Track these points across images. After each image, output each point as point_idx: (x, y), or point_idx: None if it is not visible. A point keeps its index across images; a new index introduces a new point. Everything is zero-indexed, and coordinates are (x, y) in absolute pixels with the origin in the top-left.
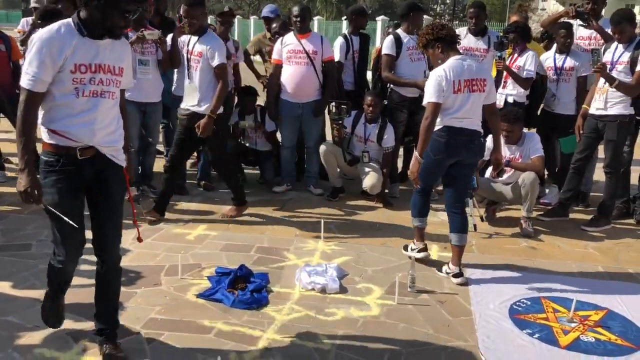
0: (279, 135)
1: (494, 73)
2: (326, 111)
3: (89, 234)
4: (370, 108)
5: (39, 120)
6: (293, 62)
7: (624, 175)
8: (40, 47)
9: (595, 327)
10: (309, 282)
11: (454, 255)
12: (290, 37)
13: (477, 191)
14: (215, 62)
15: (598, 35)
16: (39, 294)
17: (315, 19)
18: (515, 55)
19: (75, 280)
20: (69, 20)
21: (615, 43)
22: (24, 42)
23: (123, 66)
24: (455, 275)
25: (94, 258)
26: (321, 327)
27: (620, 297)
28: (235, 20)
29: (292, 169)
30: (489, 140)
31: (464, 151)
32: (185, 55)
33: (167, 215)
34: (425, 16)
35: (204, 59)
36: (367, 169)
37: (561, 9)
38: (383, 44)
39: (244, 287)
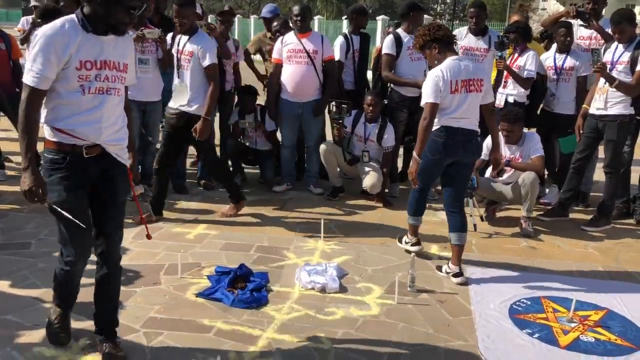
0: (279, 135)
1: (494, 73)
2: (326, 111)
3: None
4: (371, 107)
5: (42, 119)
6: (293, 62)
7: (624, 175)
8: (45, 44)
9: (595, 327)
10: (309, 281)
11: (453, 254)
12: (290, 37)
13: (477, 191)
14: (207, 62)
15: (598, 35)
16: (39, 292)
17: (316, 18)
18: (516, 55)
19: None
20: (73, 16)
21: (616, 43)
22: (24, 41)
23: (127, 62)
24: (455, 275)
25: (93, 257)
26: (321, 326)
27: (620, 297)
28: (236, 19)
29: (292, 169)
30: (489, 140)
31: (461, 151)
32: (175, 54)
33: (167, 214)
34: (425, 16)
35: (194, 59)
36: (367, 169)
37: (562, 8)
38: (383, 44)
39: (244, 287)
